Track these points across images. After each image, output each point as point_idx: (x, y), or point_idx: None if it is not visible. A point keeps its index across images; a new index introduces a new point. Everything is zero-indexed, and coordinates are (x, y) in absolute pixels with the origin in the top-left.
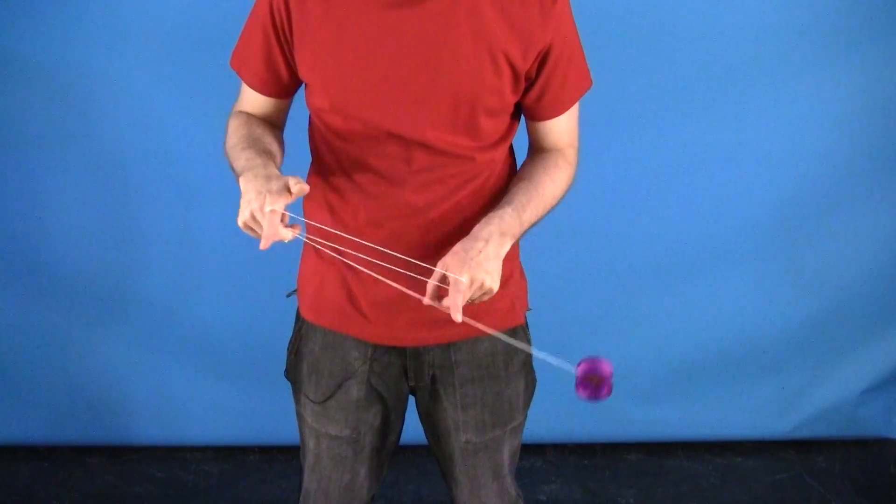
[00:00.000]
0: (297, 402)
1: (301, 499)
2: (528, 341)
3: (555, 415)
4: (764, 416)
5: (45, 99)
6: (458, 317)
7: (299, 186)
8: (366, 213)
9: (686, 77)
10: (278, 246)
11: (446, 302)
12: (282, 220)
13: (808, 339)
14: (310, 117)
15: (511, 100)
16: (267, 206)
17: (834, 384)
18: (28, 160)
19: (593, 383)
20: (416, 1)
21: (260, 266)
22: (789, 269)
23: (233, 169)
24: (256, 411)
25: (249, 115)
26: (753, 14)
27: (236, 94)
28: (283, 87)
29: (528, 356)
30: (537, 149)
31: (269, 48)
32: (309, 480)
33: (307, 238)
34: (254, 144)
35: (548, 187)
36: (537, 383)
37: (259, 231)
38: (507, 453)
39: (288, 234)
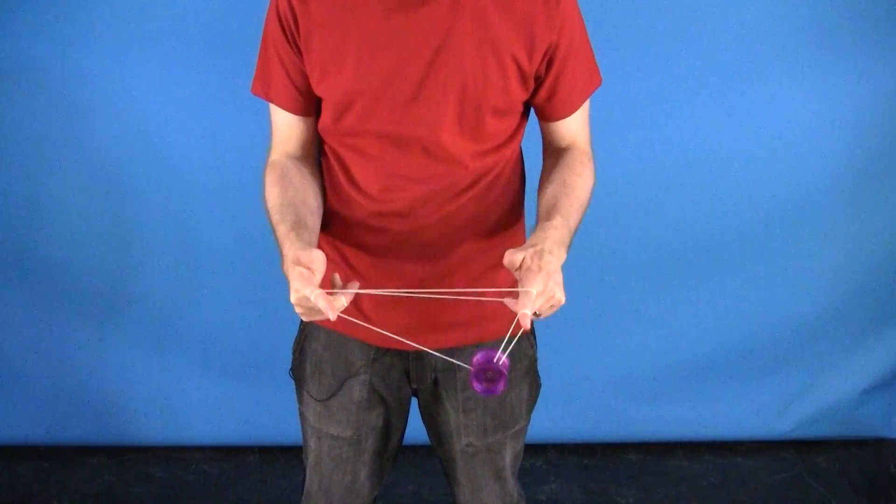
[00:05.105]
0: (300, 400)
1: (303, 499)
2: (533, 347)
3: (555, 415)
4: (764, 416)
5: (44, 100)
6: (527, 323)
7: (306, 256)
8: (363, 217)
9: (686, 77)
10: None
11: (514, 307)
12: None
13: (808, 339)
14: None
15: (520, 98)
16: (308, 293)
17: (834, 384)
18: (28, 161)
19: (489, 377)
20: (418, 4)
21: (260, 266)
22: (789, 269)
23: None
24: (256, 411)
25: (283, 168)
26: (753, 14)
27: (235, 94)
28: (311, 100)
29: (533, 361)
30: (555, 149)
31: (287, 61)
32: (310, 481)
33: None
34: (288, 212)
35: (581, 189)
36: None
37: (314, 308)
38: (508, 456)
39: (342, 303)
